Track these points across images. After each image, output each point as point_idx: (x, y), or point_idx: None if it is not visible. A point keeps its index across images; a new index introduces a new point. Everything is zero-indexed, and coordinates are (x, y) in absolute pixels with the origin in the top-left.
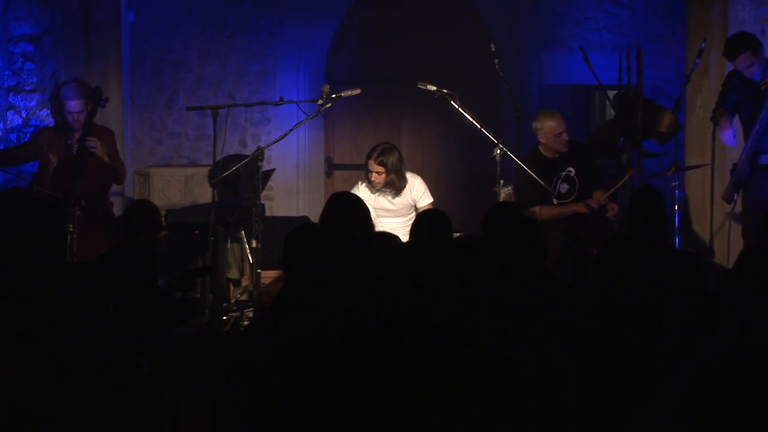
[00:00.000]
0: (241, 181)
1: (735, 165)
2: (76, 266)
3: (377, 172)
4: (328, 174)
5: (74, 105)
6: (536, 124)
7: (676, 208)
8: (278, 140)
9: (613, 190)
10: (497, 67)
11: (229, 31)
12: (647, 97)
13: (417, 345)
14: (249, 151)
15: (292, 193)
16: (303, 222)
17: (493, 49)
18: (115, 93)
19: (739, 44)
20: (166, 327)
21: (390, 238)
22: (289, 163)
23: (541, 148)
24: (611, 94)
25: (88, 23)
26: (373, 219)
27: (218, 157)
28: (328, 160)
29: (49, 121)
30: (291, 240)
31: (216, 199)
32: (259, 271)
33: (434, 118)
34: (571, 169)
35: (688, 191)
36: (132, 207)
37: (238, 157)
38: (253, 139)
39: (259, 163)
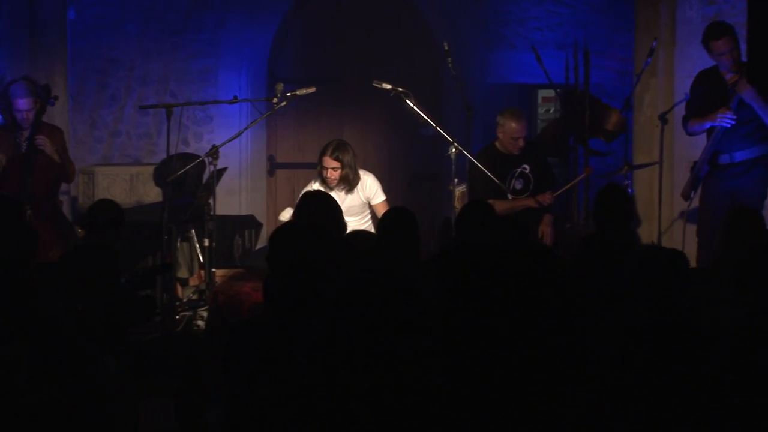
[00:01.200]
0: (187, 179)
1: (695, 163)
2: (42, 265)
3: (333, 168)
4: (271, 173)
5: (23, 103)
6: (500, 119)
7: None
8: (232, 139)
9: (567, 186)
10: (450, 65)
11: (171, 29)
12: (594, 95)
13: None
14: (191, 149)
15: (234, 191)
16: (288, 222)
17: (446, 48)
18: (62, 91)
19: (723, 27)
20: (129, 326)
21: (367, 236)
22: (232, 162)
23: (497, 143)
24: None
25: (34, 21)
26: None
27: (170, 156)
28: (271, 158)
29: None
30: (278, 239)
31: (163, 198)
32: (213, 270)
33: (376, 116)
34: (526, 166)
35: (635, 190)
36: (95, 206)
37: (185, 156)
38: (195, 137)
39: (214, 162)
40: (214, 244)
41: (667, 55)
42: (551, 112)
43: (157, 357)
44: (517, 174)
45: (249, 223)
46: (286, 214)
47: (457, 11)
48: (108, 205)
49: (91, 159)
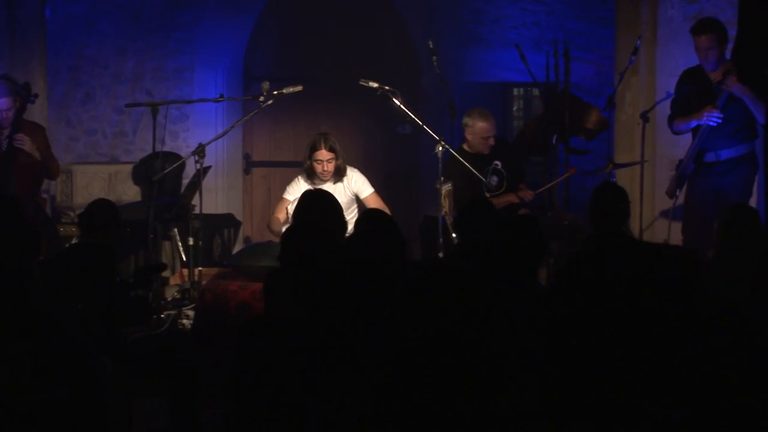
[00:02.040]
0: (167, 178)
1: (680, 161)
2: (39, 264)
3: (328, 160)
4: (246, 171)
5: (2, 102)
6: (467, 120)
7: None
8: (219, 137)
9: (550, 184)
10: (435, 64)
11: (146, 27)
12: (573, 94)
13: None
14: (167, 147)
15: (210, 190)
16: (303, 221)
17: (430, 46)
18: (41, 89)
19: (711, 25)
20: (125, 325)
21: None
22: (207, 161)
23: (465, 145)
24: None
25: (13, 20)
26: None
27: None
28: (247, 157)
29: None
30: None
31: (142, 197)
32: (200, 269)
33: (352, 115)
34: (497, 162)
35: None
36: (92, 206)
37: (161, 155)
38: (170, 136)
39: (201, 160)
40: (200, 242)
41: (649, 53)
42: (514, 110)
43: (149, 356)
44: (490, 171)
45: (228, 221)
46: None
47: (433, 10)
48: (105, 205)
49: (65, 157)
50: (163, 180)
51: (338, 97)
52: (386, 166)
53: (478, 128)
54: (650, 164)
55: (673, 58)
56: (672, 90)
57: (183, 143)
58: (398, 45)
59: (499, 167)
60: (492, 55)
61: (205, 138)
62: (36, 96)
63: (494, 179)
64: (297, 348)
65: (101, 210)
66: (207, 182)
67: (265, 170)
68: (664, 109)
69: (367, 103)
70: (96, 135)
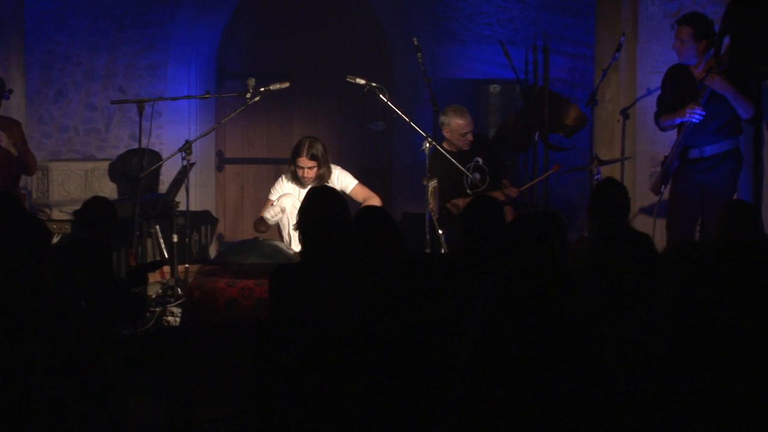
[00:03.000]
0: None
1: (665, 158)
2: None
3: (309, 168)
4: (219, 168)
5: None
6: (444, 119)
7: None
8: (205, 134)
9: (535, 181)
10: (419, 61)
11: (119, 23)
12: (552, 91)
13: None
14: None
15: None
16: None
17: (415, 43)
18: (19, 86)
19: (690, 19)
20: (121, 322)
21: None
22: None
23: (445, 143)
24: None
25: None
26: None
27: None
28: (219, 154)
29: None
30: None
31: (118, 193)
32: (187, 266)
33: (326, 111)
34: (478, 158)
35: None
36: (88, 203)
37: (140, 151)
38: (143, 132)
39: (188, 157)
40: (187, 239)
41: (629, 50)
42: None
43: (144, 353)
44: (471, 168)
45: (205, 218)
46: (272, 211)
47: (407, 6)
48: (101, 202)
49: (38, 155)
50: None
51: (312, 93)
52: (360, 163)
53: (455, 125)
54: (631, 161)
55: (654, 54)
56: (653, 87)
57: (156, 140)
58: (372, 41)
59: (480, 163)
60: (466, 52)
61: (178, 135)
62: (11, 92)
63: (476, 176)
64: (331, 349)
65: (96, 207)
66: (162, 178)
67: (238, 167)
68: (645, 105)
69: (340, 100)
70: (68, 132)
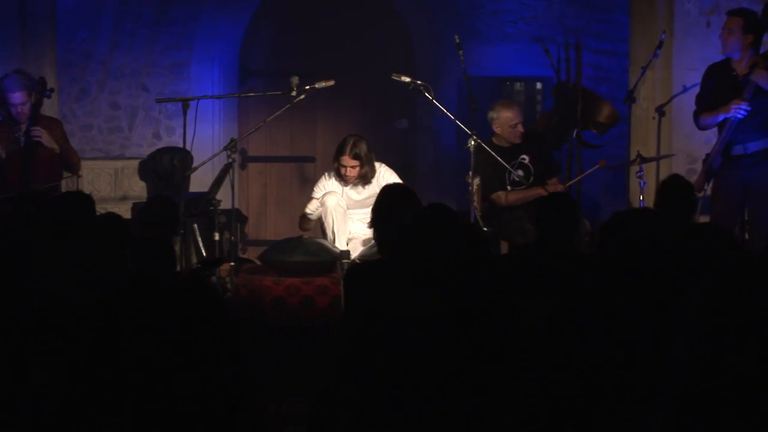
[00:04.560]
0: (175, 173)
1: (708, 155)
2: None
3: (352, 167)
4: (242, 166)
5: (17, 97)
6: (492, 114)
7: (642, 198)
8: (251, 133)
9: (580, 177)
10: (461, 59)
11: (142, 21)
12: (586, 88)
13: None
14: (163, 143)
15: (206, 185)
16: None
17: (456, 41)
18: (52, 84)
19: (743, 11)
20: None
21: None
22: (205, 156)
23: (494, 138)
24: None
25: (24, 15)
26: None
27: (188, 148)
28: (242, 152)
29: None
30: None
31: (148, 192)
32: (232, 264)
33: (350, 110)
34: (524, 156)
35: (630, 183)
36: (151, 203)
37: (171, 150)
38: (167, 131)
39: (233, 155)
40: (232, 237)
41: (665, 47)
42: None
43: None
44: (516, 165)
45: (236, 216)
46: (312, 206)
47: (430, 3)
48: (164, 202)
49: None
50: (171, 175)
51: (334, 91)
52: (384, 160)
53: (503, 118)
54: (667, 158)
55: (690, 51)
56: (689, 84)
57: (179, 138)
58: (395, 39)
59: (526, 161)
60: (490, 50)
61: (202, 133)
62: (52, 90)
63: (519, 173)
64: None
65: (159, 207)
66: (203, 177)
67: (261, 165)
68: (681, 102)
69: (363, 98)
70: (91, 131)
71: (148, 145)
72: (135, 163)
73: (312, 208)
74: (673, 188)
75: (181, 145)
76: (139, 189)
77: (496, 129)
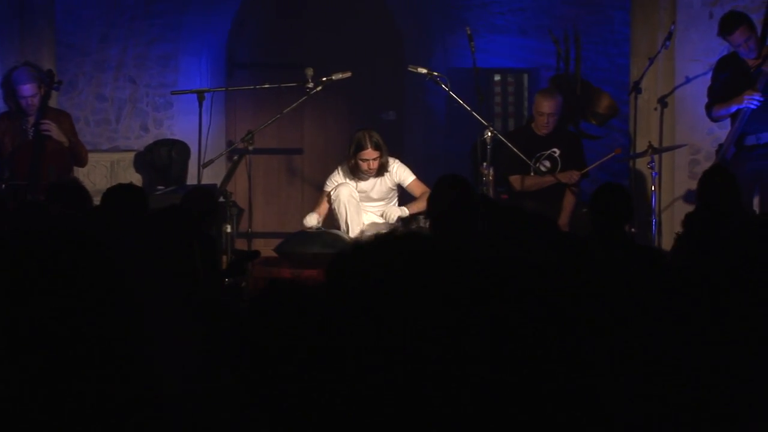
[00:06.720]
0: (173, 165)
1: (720, 145)
2: None
3: (374, 159)
4: (230, 159)
5: (26, 89)
6: (534, 98)
7: (653, 189)
8: (267, 125)
9: (594, 165)
10: (472, 51)
11: (129, 14)
12: (584, 79)
13: None
14: (151, 135)
15: (193, 177)
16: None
17: (468, 32)
18: None
19: (734, 19)
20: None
21: None
22: (192, 149)
23: (533, 124)
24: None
25: (23, 7)
26: None
27: (203, 142)
28: (229, 144)
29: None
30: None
31: (142, 184)
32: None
33: (337, 102)
34: (555, 149)
35: (632, 174)
36: (189, 195)
37: (168, 142)
38: (155, 123)
39: (250, 147)
40: (250, 229)
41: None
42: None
43: None
44: (545, 156)
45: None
46: (312, 220)
47: None
48: (202, 194)
49: None
50: (169, 167)
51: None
52: None
53: (536, 102)
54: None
55: (693, 42)
56: (691, 75)
57: (167, 131)
58: (383, 30)
59: (556, 155)
60: (478, 41)
61: (190, 125)
62: (60, 83)
63: (546, 164)
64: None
65: (198, 199)
66: (191, 170)
67: (248, 157)
68: (684, 94)
69: (351, 90)
70: (79, 123)
71: (136, 137)
72: (131, 156)
73: (312, 223)
74: (715, 178)
75: (169, 137)
76: (135, 181)
77: (534, 114)
